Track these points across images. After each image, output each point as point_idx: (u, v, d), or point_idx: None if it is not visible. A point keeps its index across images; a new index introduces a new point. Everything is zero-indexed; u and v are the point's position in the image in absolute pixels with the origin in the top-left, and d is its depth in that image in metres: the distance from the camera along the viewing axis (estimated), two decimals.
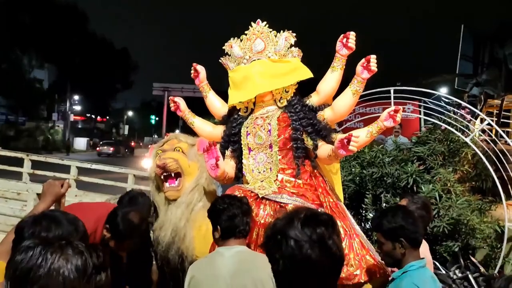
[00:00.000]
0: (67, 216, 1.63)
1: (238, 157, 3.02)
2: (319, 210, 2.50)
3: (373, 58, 2.67)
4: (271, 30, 3.03)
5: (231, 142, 3.05)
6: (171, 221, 3.04)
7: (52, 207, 2.23)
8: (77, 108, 43.03)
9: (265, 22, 3.04)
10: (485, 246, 4.16)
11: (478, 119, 5.88)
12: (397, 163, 4.59)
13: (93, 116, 48.58)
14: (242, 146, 2.97)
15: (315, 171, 2.92)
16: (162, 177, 3.13)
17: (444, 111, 4.91)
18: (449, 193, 4.19)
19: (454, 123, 4.59)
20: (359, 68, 2.72)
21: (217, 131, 3.16)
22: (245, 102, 3.08)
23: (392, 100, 4.74)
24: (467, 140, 4.39)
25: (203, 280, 2.17)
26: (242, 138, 2.97)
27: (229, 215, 2.28)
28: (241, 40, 3.07)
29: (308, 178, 2.87)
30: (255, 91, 2.96)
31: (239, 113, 3.10)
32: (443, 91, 15.59)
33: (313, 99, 2.96)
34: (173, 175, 3.12)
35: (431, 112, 5.20)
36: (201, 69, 3.26)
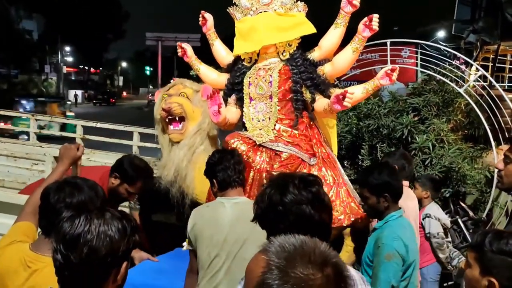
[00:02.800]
0: (87, 182, 1.78)
1: (239, 105, 3.18)
2: (302, 172, 2.68)
3: (375, 17, 2.79)
4: None
5: (234, 90, 3.20)
6: (173, 161, 3.26)
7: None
8: (69, 59, 42.35)
9: None
10: (475, 192, 4.38)
11: (473, 68, 5.96)
12: (392, 114, 4.73)
13: (86, 68, 47.91)
14: (243, 95, 3.12)
15: (312, 123, 3.08)
16: (167, 120, 3.31)
17: (441, 57, 4.97)
18: (442, 143, 4.36)
19: (449, 74, 4.68)
20: (361, 26, 2.83)
21: (222, 79, 3.31)
22: (250, 53, 3.20)
23: (389, 53, 4.80)
24: (461, 90, 4.51)
25: (205, 227, 2.34)
26: (244, 87, 3.12)
27: (222, 168, 2.42)
28: None
29: (304, 129, 3.04)
30: (260, 43, 3.08)
31: (243, 62, 3.23)
32: (440, 34, 15.50)
33: (315, 54, 3.09)
34: (177, 118, 3.31)
35: (428, 58, 5.27)
36: (209, 16, 3.36)
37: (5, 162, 4.72)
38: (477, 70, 4.94)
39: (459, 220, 4.01)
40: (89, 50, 40.69)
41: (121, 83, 54.27)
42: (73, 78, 45.79)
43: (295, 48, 3.13)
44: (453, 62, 5.00)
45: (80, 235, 1.20)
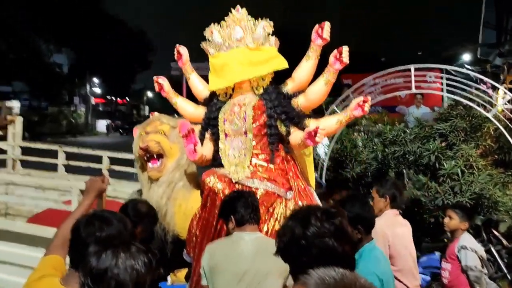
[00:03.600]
0: (116, 215, 1.80)
1: (216, 140, 3.19)
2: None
3: (345, 49, 2.81)
4: (250, 18, 3.14)
5: (210, 125, 3.22)
6: (153, 199, 3.24)
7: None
8: (97, 91, 43.54)
9: (244, 9, 3.15)
10: (508, 219, 4.23)
11: (501, 92, 5.84)
12: (419, 140, 4.67)
13: (114, 98, 49.13)
14: (219, 131, 3.14)
15: (288, 155, 3.09)
16: (145, 158, 3.34)
17: (466, 81, 4.89)
18: (471, 168, 4.26)
19: (476, 98, 4.60)
20: (331, 59, 2.86)
21: (199, 112, 3.33)
22: (224, 88, 3.22)
23: (413, 78, 4.75)
24: (489, 115, 4.41)
25: (224, 261, 2.34)
26: (219, 124, 3.13)
27: (240, 204, 2.46)
28: (220, 26, 3.18)
29: (280, 162, 3.06)
30: (233, 79, 3.13)
31: (219, 98, 3.25)
32: (465, 58, 15.30)
33: (288, 86, 3.11)
34: (155, 156, 3.33)
35: (453, 83, 5.19)
36: (184, 50, 3.41)
37: (34, 194, 4.82)
38: (505, 93, 4.83)
39: (493, 249, 3.86)
40: (116, 81, 41.79)
41: (147, 113, 55.26)
42: (101, 109, 46.96)
43: (268, 83, 3.16)
44: (480, 86, 4.90)
45: (107, 269, 1.21)
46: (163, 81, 3.41)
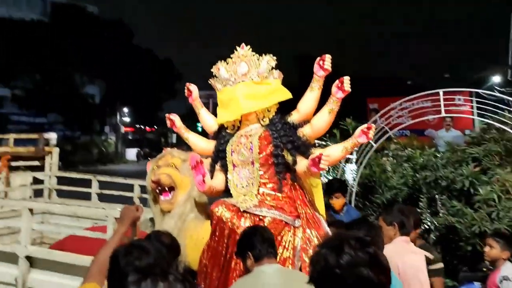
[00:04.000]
0: (153, 244, 1.82)
1: (225, 171, 3.24)
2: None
3: (346, 79, 2.89)
4: (254, 53, 3.24)
5: (219, 157, 3.28)
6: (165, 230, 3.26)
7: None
8: (127, 119, 44.57)
9: (248, 46, 3.26)
10: None
11: None
12: (451, 165, 4.57)
13: (142, 127, 50.12)
14: (227, 162, 3.20)
15: (295, 184, 3.12)
16: (157, 190, 3.43)
17: (498, 104, 4.79)
18: (508, 194, 4.12)
19: (509, 122, 4.49)
20: (334, 88, 2.93)
21: (210, 146, 3.41)
22: (232, 121, 3.30)
23: (442, 102, 4.69)
24: None
25: None
26: (227, 155, 3.20)
27: (256, 240, 2.48)
28: (227, 63, 3.30)
29: (288, 190, 3.07)
30: (240, 112, 3.21)
31: (227, 130, 3.33)
32: (495, 80, 15.00)
33: (294, 117, 3.18)
34: (167, 189, 3.42)
35: (484, 106, 5.10)
36: (193, 88, 3.55)
37: (69, 222, 4.93)
38: None
39: None
40: (145, 110, 42.69)
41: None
42: (130, 137, 47.93)
43: (274, 114, 3.23)
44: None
45: None
46: (174, 117, 3.55)
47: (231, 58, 3.28)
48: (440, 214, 4.50)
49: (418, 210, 4.56)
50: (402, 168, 5.19)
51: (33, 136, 5.94)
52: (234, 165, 3.18)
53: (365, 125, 2.83)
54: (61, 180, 5.89)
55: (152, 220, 3.61)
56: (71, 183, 5.81)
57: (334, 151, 2.94)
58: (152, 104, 43.88)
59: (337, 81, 2.91)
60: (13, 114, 35.89)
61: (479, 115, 4.92)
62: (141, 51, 39.09)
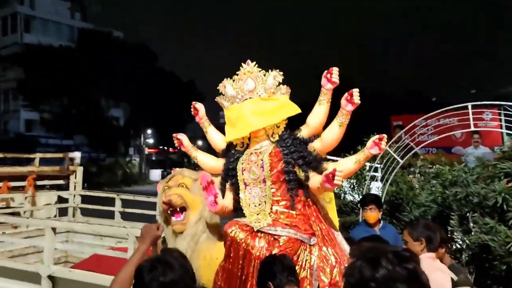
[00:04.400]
0: (178, 260, 1.78)
1: (236, 190, 3.17)
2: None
3: (355, 92, 2.81)
4: (260, 69, 3.18)
5: (229, 176, 3.21)
6: None
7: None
8: (151, 141, 45.17)
9: (254, 62, 3.21)
10: None
11: None
12: (482, 181, 4.39)
13: (166, 148, 50.67)
14: (238, 181, 3.13)
15: (309, 200, 3.03)
16: (169, 211, 3.34)
17: None
18: None
19: None
20: (343, 101, 2.85)
21: (219, 164, 3.34)
22: (241, 138, 3.24)
23: (471, 116, 4.54)
24: None
25: None
26: (238, 173, 3.13)
27: (277, 269, 2.43)
28: (233, 80, 3.24)
29: (302, 207, 2.99)
30: (248, 129, 3.13)
31: (236, 148, 3.26)
32: None
33: (303, 132, 3.09)
34: (178, 209, 3.33)
35: None
36: (200, 106, 3.50)
37: (92, 241, 4.93)
38: None
39: None
40: (168, 131, 43.23)
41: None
42: (153, 158, 48.48)
43: (283, 129, 3.16)
44: None
45: None
46: (181, 136, 3.51)
47: (237, 75, 3.24)
48: (472, 232, 4.30)
49: (449, 228, 4.41)
50: (430, 185, 5.02)
51: (58, 155, 6.03)
52: (245, 184, 3.12)
53: (377, 136, 2.74)
54: (85, 199, 5.92)
55: (163, 240, 3.54)
56: (95, 201, 5.84)
57: (347, 164, 2.86)
58: (175, 125, 44.44)
59: (346, 94, 2.84)
60: (41, 137, 36.87)
61: (508, 129, 4.73)
62: (164, 74, 39.86)
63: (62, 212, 5.87)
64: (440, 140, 5.48)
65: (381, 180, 5.39)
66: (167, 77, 39.82)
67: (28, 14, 41.05)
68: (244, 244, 2.82)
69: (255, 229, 2.88)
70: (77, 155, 5.94)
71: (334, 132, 2.94)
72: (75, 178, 5.71)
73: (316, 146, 3.03)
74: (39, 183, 5.58)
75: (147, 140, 44.29)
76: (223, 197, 3.15)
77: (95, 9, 46.19)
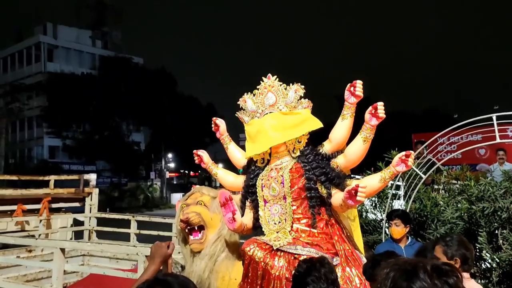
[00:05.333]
0: (178, 279, 1.67)
1: (256, 208, 3.08)
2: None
3: (380, 105, 2.71)
4: (281, 83, 3.12)
5: (249, 193, 3.14)
6: (195, 272, 3.14)
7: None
8: (172, 165, 45.50)
9: (275, 76, 3.15)
10: None
11: None
12: (511, 195, 4.18)
13: (186, 172, 50.94)
14: (258, 197, 3.05)
15: (331, 218, 2.95)
16: (186, 230, 3.26)
17: None
18: None
19: None
20: (367, 115, 2.76)
21: (239, 181, 3.28)
22: (261, 154, 3.16)
23: (496, 128, 4.36)
24: None
25: None
26: (257, 190, 3.05)
27: (312, 279, 2.29)
28: (254, 95, 3.19)
29: (324, 226, 2.90)
30: (268, 144, 3.06)
31: (256, 164, 3.20)
32: None
33: (326, 147, 3.01)
34: (196, 228, 3.25)
35: None
36: (220, 122, 3.45)
37: (108, 264, 4.87)
38: None
39: None
40: (189, 155, 43.45)
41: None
42: (174, 182, 48.73)
43: (304, 144, 3.07)
44: None
45: None
46: (202, 153, 3.47)
47: (258, 89, 3.19)
48: (503, 250, 4.08)
49: (477, 245, 4.19)
50: (455, 201, 4.82)
51: (74, 177, 6.05)
52: (265, 201, 3.04)
53: (404, 153, 2.62)
54: (101, 222, 5.90)
55: (181, 266, 3.47)
56: (111, 224, 5.80)
57: (371, 181, 2.74)
58: (196, 149, 44.59)
59: (370, 108, 2.74)
60: (64, 163, 37.55)
61: None
62: (184, 98, 40.37)
63: (78, 235, 5.85)
64: (464, 157, 5.31)
65: (404, 198, 5.24)
66: (187, 101, 40.31)
67: (51, 43, 42.40)
68: (263, 263, 2.74)
69: (275, 248, 2.79)
70: (92, 177, 5.94)
71: (358, 148, 2.84)
72: (91, 200, 5.70)
73: (339, 162, 2.94)
74: (54, 205, 5.58)
75: (168, 164, 44.62)
76: (242, 215, 3.08)
77: (115, 37, 47.39)
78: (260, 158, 3.20)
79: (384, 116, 2.71)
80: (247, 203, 3.17)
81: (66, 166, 37.00)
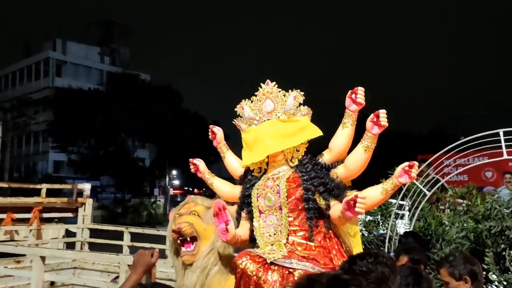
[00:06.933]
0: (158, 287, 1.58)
1: (252, 219, 2.99)
2: None
3: (382, 113, 2.63)
4: (280, 90, 3.06)
5: (245, 203, 3.05)
6: (186, 286, 3.05)
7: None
8: (176, 182, 45.43)
9: (274, 83, 3.09)
10: None
11: None
12: None
13: (191, 189, 50.81)
14: (253, 208, 2.96)
15: (330, 232, 2.85)
16: (178, 241, 3.14)
17: None
18: None
19: None
20: (368, 123, 2.68)
21: (236, 191, 3.20)
22: (258, 163, 3.07)
23: (503, 144, 4.21)
24: None
25: None
26: (252, 200, 2.96)
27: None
28: (251, 101, 3.13)
29: (322, 239, 2.81)
30: (265, 152, 2.98)
31: (253, 173, 3.10)
32: None
33: (326, 157, 2.94)
34: (189, 239, 3.14)
35: None
36: (217, 130, 3.41)
37: (98, 278, 4.72)
38: None
39: None
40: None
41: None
42: (178, 199, 48.58)
43: (303, 153, 2.98)
44: None
45: None
46: (198, 162, 3.40)
47: (256, 96, 3.12)
48: (511, 271, 3.91)
49: (484, 266, 4.01)
50: (461, 220, 4.66)
51: (67, 186, 5.94)
52: (260, 211, 2.93)
53: (407, 163, 2.53)
54: (96, 233, 5.77)
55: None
56: (105, 236, 5.67)
57: (372, 193, 2.63)
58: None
59: (372, 115, 2.65)
60: (68, 178, 37.59)
61: None
62: (190, 115, 40.48)
63: (70, 247, 5.71)
64: (471, 179, 5.17)
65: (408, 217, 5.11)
66: (193, 118, 40.42)
67: (60, 59, 43.02)
68: (255, 277, 2.64)
69: (268, 261, 2.68)
70: (86, 187, 5.82)
71: (359, 158, 2.75)
72: (84, 211, 5.57)
73: (339, 172, 2.86)
74: (45, 215, 5.46)
75: (172, 181, 44.55)
76: (238, 226, 2.99)
77: (123, 53, 47.98)
78: (257, 167, 3.10)
79: (387, 124, 2.62)
80: (243, 214, 3.08)
81: (70, 181, 36.95)
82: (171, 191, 43.53)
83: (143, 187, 40.72)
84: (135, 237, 5.33)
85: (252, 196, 2.97)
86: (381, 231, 5.47)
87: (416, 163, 2.54)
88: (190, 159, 3.43)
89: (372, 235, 5.50)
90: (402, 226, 5.07)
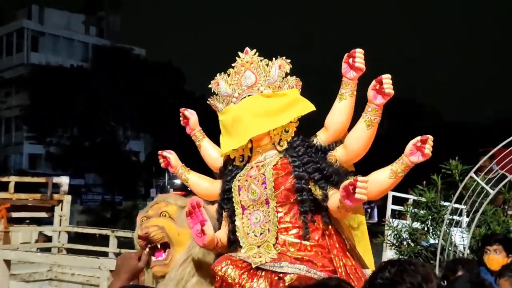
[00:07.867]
0: None
1: (232, 217, 2.97)
2: None
3: (385, 78, 2.59)
4: (262, 58, 3.04)
5: (226, 200, 3.04)
6: None
7: None
8: (177, 181, 45.77)
9: (254, 50, 3.07)
10: None
11: None
12: None
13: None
14: (234, 203, 2.95)
15: (330, 228, 2.86)
16: (147, 249, 3.12)
17: None
18: None
19: None
20: (370, 92, 2.66)
21: (216, 187, 3.18)
22: (240, 149, 3.05)
23: None
24: None
25: None
26: (233, 194, 2.94)
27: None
28: (228, 75, 3.11)
29: (319, 237, 2.82)
30: (247, 136, 2.94)
31: (234, 163, 3.09)
32: None
33: (321, 137, 2.92)
34: (159, 246, 3.13)
35: None
36: (191, 114, 3.37)
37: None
38: None
39: None
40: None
41: None
42: None
43: (293, 134, 2.95)
44: None
45: None
46: (168, 154, 3.38)
47: (233, 68, 3.10)
48: None
49: None
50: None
51: (40, 180, 5.98)
52: (243, 207, 2.92)
53: (419, 138, 2.50)
54: (76, 239, 5.82)
55: None
56: (87, 241, 5.73)
57: (378, 176, 2.62)
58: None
59: (373, 82, 2.63)
60: (46, 175, 38.13)
61: None
62: (194, 98, 40.69)
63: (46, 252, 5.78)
64: None
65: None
66: (198, 102, 40.61)
67: (36, 30, 43.36)
68: (238, 286, 2.66)
69: (254, 266, 2.70)
70: (63, 180, 5.83)
71: (362, 135, 2.74)
72: (61, 210, 5.59)
73: (338, 155, 2.85)
74: (14, 215, 5.49)
75: (172, 180, 44.91)
76: (219, 228, 2.99)
77: (113, 23, 48.29)
78: (238, 155, 3.09)
79: (392, 92, 2.59)
80: (224, 214, 3.08)
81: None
82: (171, 192, 43.94)
83: (137, 187, 41.07)
84: (123, 243, 5.36)
85: (233, 190, 2.95)
86: (431, 241, 5.46)
87: (431, 137, 2.49)
88: (159, 152, 3.41)
89: (419, 246, 5.51)
90: (458, 235, 5.12)
